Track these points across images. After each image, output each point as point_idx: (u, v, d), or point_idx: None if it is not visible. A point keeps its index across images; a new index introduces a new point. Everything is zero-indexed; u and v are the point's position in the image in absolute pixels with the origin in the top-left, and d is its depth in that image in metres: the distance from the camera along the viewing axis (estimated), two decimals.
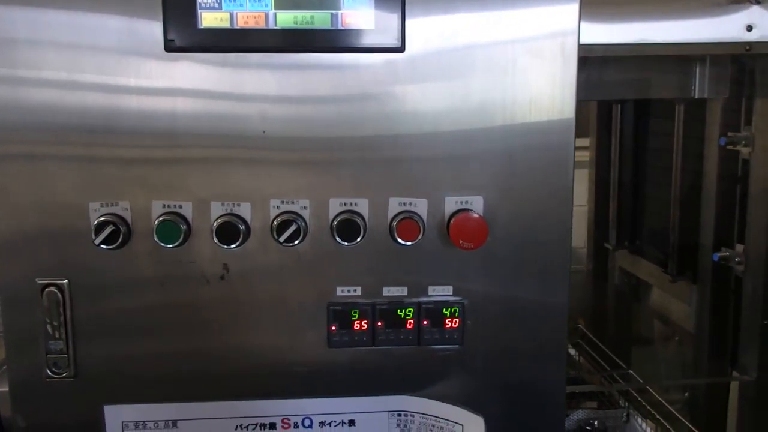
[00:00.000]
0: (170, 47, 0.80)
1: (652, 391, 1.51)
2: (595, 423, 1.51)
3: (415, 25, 0.82)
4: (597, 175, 1.80)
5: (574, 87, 0.84)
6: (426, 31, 0.82)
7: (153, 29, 0.80)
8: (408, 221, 0.84)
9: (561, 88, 0.84)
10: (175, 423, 0.90)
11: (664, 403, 1.46)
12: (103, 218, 0.83)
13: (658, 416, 1.44)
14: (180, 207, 0.84)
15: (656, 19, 1.03)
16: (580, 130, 0.85)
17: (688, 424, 1.38)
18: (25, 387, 0.88)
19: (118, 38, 0.80)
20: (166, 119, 0.82)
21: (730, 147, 1.29)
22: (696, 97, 1.24)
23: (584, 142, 1.84)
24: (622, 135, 1.67)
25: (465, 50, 0.83)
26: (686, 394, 1.52)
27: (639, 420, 1.50)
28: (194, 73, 0.82)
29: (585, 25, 0.84)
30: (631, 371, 1.64)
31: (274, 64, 0.82)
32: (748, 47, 1.05)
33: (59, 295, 0.85)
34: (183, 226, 0.83)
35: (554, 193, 0.86)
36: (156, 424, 0.90)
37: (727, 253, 1.33)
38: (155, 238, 0.83)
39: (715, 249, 1.36)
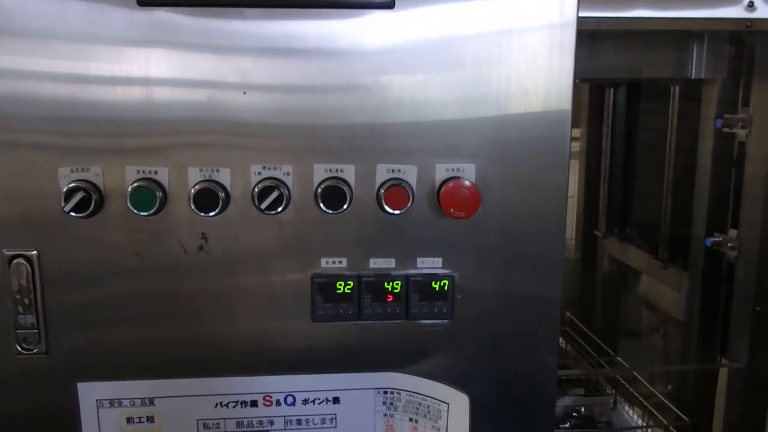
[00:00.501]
0: (143, 0, 0.72)
1: (639, 377, 1.45)
2: (582, 409, 1.47)
3: (406, 13, 0.75)
4: (587, 163, 1.74)
5: (570, 78, 0.78)
6: (417, 19, 0.75)
7: (127, 14, 0.73)
8: (396, 189, 0.77)
9: (558, 78, 0.78)
10: (152, 401, 0.83)
11: (653, 390, 1.40)
12: (73, 184, 0.76)
13: (645, 403, 1.38)
14: (155, 173, 0.77)
15: None
16: (572, 120, 0.79)
17: (676, 410, 1.32)
18: None
19: (90, 23, 0.73)
20: (142, 108, 0.75)
21: (726, 129, 1.22)
22: (693, 77, 1.18)
23: (575, 132, 1.78)
24: (614, 122, 1.61)
25: (457, 39, 0.76)
26: (669, 386, 1.46)
27: (626, 407, 1.44)
28: (171, 58, 0.74)
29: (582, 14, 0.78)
30: (619, 358, 1.58)
31: (256, 48, 0.75)
32: (748, 24, 0.99)
33: (28, 267, 0.78)
34: (158, 193, 0.76)
35: (549, 182, 0.80)
36: (132, 402, 0.82)
37: (720, 239, 1.27)
38: (129, 206, 0.76)
39: (707, 234, 1.29)
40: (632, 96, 1.58)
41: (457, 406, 0.83)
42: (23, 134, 0.75)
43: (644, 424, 1.36)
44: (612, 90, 1.61)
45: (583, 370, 1.51)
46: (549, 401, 0.86)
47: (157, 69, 0.74)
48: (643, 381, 1.42)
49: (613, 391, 1.49)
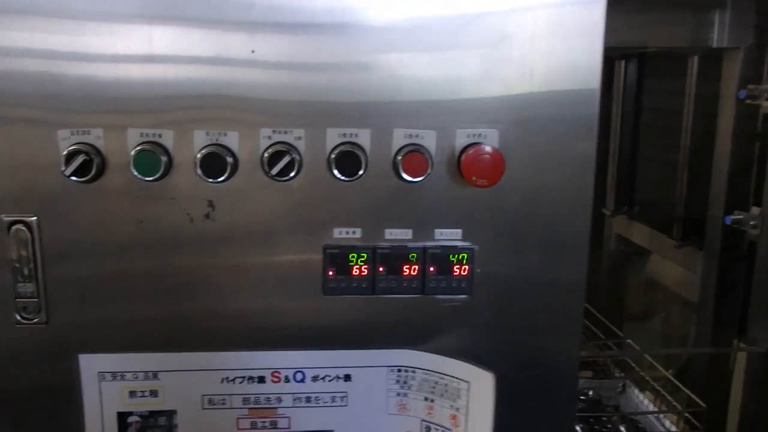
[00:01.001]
0: None
1: (652, 361, 1.39)
2: (590, 393, 1.41)
3: None
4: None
5: (599, 54, 0.72)
6: None
7: None
8: (415, 155, 0.70)
9: (586, 55, 0.72)
10: (155, 374, 0.77)
11: (666, 374, 1.34)
12: (73, 147, 0.70)
13: (657, 386, 1.33)
14: (159, 136, 0.71)
15: None
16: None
17: (691, 394, 1.26)
18: None
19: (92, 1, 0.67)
20: (145, 85, 0.69)
21: (749, 101, 1.15)
22: (714, 46, 1.10)
23: None
24: (624, 96, 1.54)
25: (479, 15, 0.70)
26: (680, 371, 1.40)
27: (636, 391, 1.39)
28: (174, 33, 0.69)
29: None
30: (629, 340, 1.52)
31: (263, 22, 0.69)
32: None
33: (27, 233, 0.72)
34: (163, 157, 0.70)
35: (575, 162, 0.75)
36: (135, 375, 0.77)
37: (741, 216, 1.20)
38: (132, 170, 0.70)
39: (726, 212, 1.22)
40: (645, 68, 1.51)
41: (479, 385, 0.77)
42: (22, 109, 0.70)
43: (656, 409, 1.31)
44: (623, 63, 1.53)
45: (592, 352, 1.46)
46: (570, 385, 0.81)
47: (159, 44, 0.69)
48: (656, 365, 1.37)
49: (622, 374, 1.44)
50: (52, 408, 0.77)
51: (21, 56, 0.68)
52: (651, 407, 1.33)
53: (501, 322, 0.78)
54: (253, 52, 0.69)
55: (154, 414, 0.78)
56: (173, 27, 0.69)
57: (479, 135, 0.72)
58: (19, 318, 0.75)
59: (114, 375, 0.77)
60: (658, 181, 1.52)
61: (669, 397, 1.29)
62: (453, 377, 0.77)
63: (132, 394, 0.78)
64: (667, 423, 1.29)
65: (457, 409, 0.78)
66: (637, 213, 1.60)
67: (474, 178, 0.70)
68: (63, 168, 0.70)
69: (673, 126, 1.37)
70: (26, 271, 0.74)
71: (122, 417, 0.78)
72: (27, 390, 0.77)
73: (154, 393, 0.78)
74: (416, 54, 0.70)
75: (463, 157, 0.70)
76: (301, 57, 0.70)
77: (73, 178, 0.70)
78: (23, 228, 0.73)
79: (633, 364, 1.42)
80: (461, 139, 0.72)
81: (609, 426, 1.34)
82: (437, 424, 0.79)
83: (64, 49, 0.68)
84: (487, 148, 0.70)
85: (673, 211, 1.40)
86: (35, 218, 0.72)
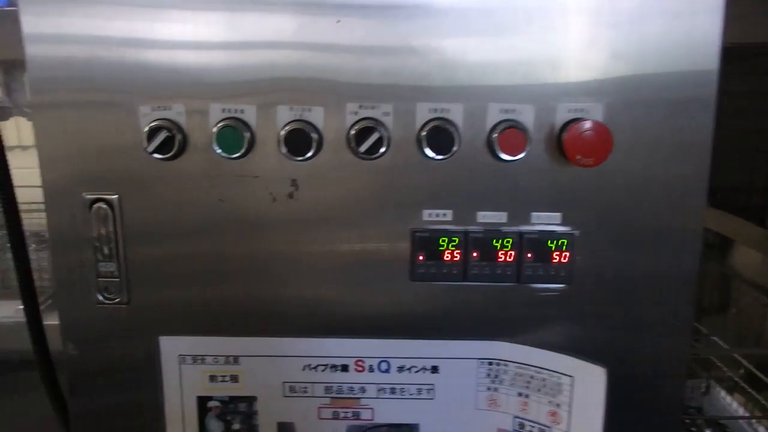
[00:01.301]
0: None
1: (740, 358, 1.28)
2: None
3: None
4: None
5: (718, 34, 0.65)
6: None
7: None
8: (512, 131, 0.64)
9: (703, 35, 0.65)
10: (236, 359, 0.74)
11: (759, 374, 1.23)
12: (155, 123, 0.67)
13: (749, 389, 1.22)
14: (242, 111, 0.67)
15: None
16: None
17: None
18: (75, 313, 0.73)
19: None
20: (227, 71, 0.66)
21: None
22: None
23: None
24: None
25: None
26: (742, 370, 1.28)
27: (723, 393, 1.28)
28: (257, 19, 0.65)
29: None
30: (714, 338, 1.41)
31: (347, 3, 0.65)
32: None
33: (109, 211, 0.70)
34: (246, 134, 0.66)
35: (689, 145, 0.68)
36: (216, 360, 0.74)
37: None
38: (215, 147, 0.67)
39: None
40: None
41: (587, 380, 0.70)
42: (106, 93, 0.67)
43: (747, 414, 1.20)
44: None
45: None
46: (677, 388, 0.73)
47: (242, 29, 0.65)
48: (748, 365, 1.26)
49: (705, 373, 1.33)
50: (133, 390, 0.76)
51: (105, 44, 0.66)
52: (740, 410, 1.22)
53: (602, 315, 0.71)
54: (338, 21, 0.65)
55: (234, 399, 0.75)
56: (256, 12, 0.65)
57: (582, 110, 0.65)
58: (101, 298, 0.73)
59: (194, 358, 0.74)
60: (742, 167, 1.40)
61: (764, 402, 1.18)
62: (553, 371, 0.71)
63: (212, 378, 0.75)
64: (762, 429, 1.18)
65: (558, 405, 0.71)
66: (718, 200, 1.48)
67: (578, 157, 0.63)
68: (145, 145, 0.67)
69: (758, 110, 1.25)
70: (107, 250, 0.72)
71: (202, 401, 0.76)
72: (108, 371, 0.75)
73: (234, 378, 0.75)
74: (514, 26, 0.64)
75: (566, 133, 0.63)
76: (389, 39, 0.65)
77: (156, 155, 0.67)
78: (104, 206, 0.70)
79: (719, 363, 1.32)
80: (562, 114, 0.65)
81: (693, 429, 1.24)
82: (532, 421, 0.73)
83: (148, 36, 0.66)
84: (593, 124, 0.63)
85: (765, 199, 1.28)
86: (116, 196, 0.70)
